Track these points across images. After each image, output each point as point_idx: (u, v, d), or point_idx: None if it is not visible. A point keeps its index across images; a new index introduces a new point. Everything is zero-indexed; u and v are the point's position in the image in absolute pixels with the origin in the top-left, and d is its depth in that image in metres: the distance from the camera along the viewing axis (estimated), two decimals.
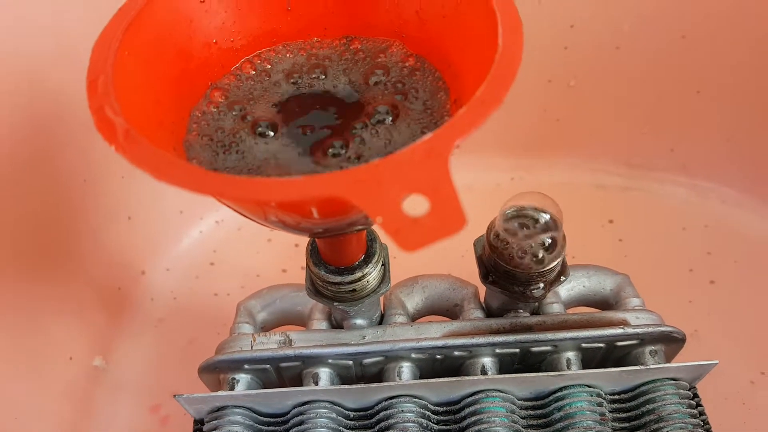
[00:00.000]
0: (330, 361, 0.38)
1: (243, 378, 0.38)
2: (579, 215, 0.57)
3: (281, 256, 0.56)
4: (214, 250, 0.57)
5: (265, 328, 0.43)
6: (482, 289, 0.42)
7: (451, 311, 0.42)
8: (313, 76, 0.30)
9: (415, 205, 0.18)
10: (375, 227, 0.24)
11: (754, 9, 0.49)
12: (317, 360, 0.38)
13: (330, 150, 0.26)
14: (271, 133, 0.27)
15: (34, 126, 0.42)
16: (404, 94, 0.28)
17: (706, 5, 0.50)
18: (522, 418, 0.37)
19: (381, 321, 0.41)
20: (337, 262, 0.34)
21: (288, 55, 0.30)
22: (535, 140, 0.57)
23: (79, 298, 0.47)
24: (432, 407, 0.37)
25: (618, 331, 0.38)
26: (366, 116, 0.27)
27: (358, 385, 0.36)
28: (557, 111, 0.54)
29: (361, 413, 0.37)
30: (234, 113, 0.28)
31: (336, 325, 0.41)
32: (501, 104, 0.20)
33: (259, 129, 0.28)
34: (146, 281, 0.53)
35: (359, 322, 0.39)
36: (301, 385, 0.39)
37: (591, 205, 0.58)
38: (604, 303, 0.43)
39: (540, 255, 0.34)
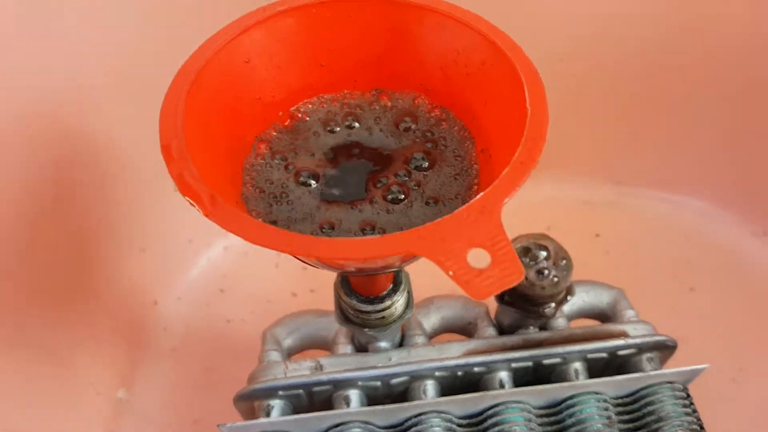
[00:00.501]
0: (360, 383, 0.41)
1: (277, 404, 0.41)
2: (568, 229, 0.61)
3: (290, 280, 0.58)
4: (224, 276, 0.59)
5: (291, 352, 0.46)
6: (491, 307, 0.45)
7: (465, 329, 0.45)
8: (347, 123, 0.33)
9: (478, 257, 0.21)
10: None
11: (732, 40, 0.54)
12: (348, 383, 0.40)
13: (373, 197, 0.29)
14: (313, 182, 0.30)
15: (54, 167, 0.44)
16: (434, 143, 0.31)
17: (684, 39, 0.54)
18: (539, 425, 0.40)
19: (401, 341, 0.44)
20: (368, 293, 0.37)
21: (323, 105, 0.33)
22: None
23: (101, 333, 0.49)
24: (457, 420, 0.40)
25: (619, 342, 0.42)
26: (403, 163, 0.30)
27: (390, 406, 0.39)
28: (548, 133, 0.58)
29: (392, 430, 0.40)
30: (278, 163, 0.31)
31: (359, 347, 0.44)
32: (536, 164, 0.23)
33: (301, 179, 0.30)
34: (159, 311, 0.55)
35: (383, 344, 0.42)
36: (331, 406, 0.41)
37: (579, 219, 0.62)
38: (602, 315, 0.47)
39: (554, 280, 0.37)
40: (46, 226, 0.44)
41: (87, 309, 0.48)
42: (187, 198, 0.23)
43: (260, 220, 0.28)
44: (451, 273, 0.20)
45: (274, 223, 0.28)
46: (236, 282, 0.59)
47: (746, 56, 0.56)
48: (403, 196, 0.29)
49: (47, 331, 0.45)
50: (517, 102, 0.26)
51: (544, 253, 0.39)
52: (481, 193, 0.23)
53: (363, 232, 0.28)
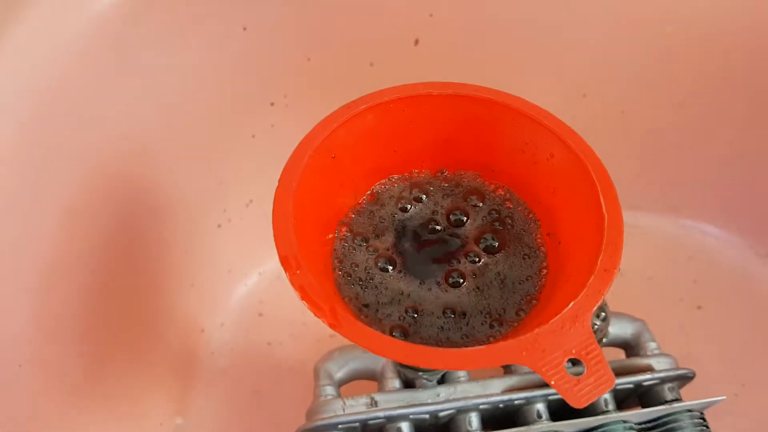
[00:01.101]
0: (410, 416, 0.44)
1: None
2: None
3: None
4: (261, 301, 0.62)
5: (341, 384, 0.49)
6: None
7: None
8: (417, 198, 0.35)
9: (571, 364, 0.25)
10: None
11: (736, 68, 0.57)
12: (400, 417, 0.44)
13: (450, 280, 0.32)
14: (390, 268, 0.33)
15: (119, 217, 0.47)
16: (501, 222, 0.34)
17: (698, 78, 0.58)
18: None
19: (443, 376, 0.47)
20: None
21: (395, 185, 0.36)
22: None
23: (159, 366, 0.52)
24: None
25: (646, 376, 0.46)
26: (474, 242, 0.33)
27: None
28: None
29: None
30: (359, 244, 0.34)
31: (405, 380, 0.47)
32: (618, 270, 0.27)
33: (380, 265, 0.33)
34: (206, 338, 0.58)
35: (428, 379, 0.46)
36: None
37: None
38: (626, 345, 0.51)
39: (598, 333, 0.41)
40: (115, 272, 0.47)
41: (147, 346, 0.51)
42: (310, 307, 0.26)
43: (354, 305, 0.31)
44: (553, 383, 0.24)
45: (366, 306, 0.31)
46: (273, 306, 0.62)
47: (750, 85, 0.59)
48: (475, 276, 0.32)
49: (119, 375, 0.48)
50: (590, 201, 0.29)
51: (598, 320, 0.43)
52: (572, 303, 0.26)
53: (444, 314, 0.31)
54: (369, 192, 0.35)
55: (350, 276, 0.33)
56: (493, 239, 0.34)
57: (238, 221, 0.59)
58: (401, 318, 0.31)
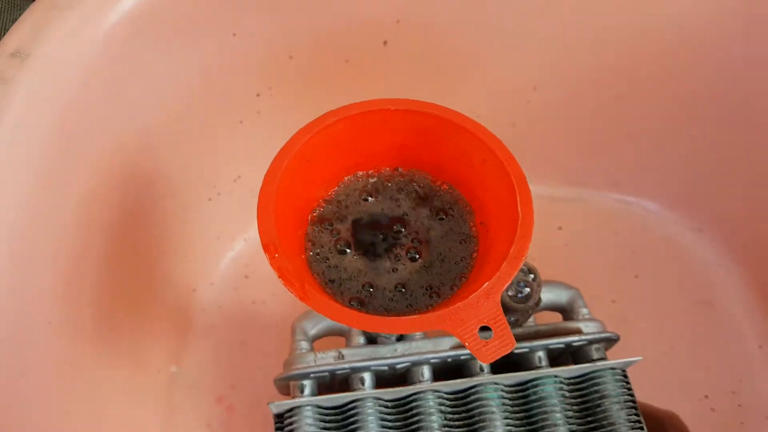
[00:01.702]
0: (372, 368, 0.53)
1: (308, 383, 0.52)
2: (535, 223, 0.73)
3: None
4: (246, 265, 0.69)
5: (314, 340, 0.57)
6: None
7: None
8: (376, 191, 0.43)
9: (484, 330, 0.32)
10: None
11: (682, 52, 0.64)
12: (363, 368, 0.52)
13: (398, 258, 0.40)
14: (348, 250, 0.41)
15: (124, 200, 0.54)
16: (444, 212, 0.42)
17: (637, 63, 0.64)
18: (509, 400, 0.53)
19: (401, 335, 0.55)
20: None
21: (359, 180, 0.43)
22: None
23: (159, 322, 0.60)
24: (446, 396, 0.52)
25: (575, 338, 0.54)
26: (420, 228, 0.41)
27: (396, 388, 0.51)
28: (519, 146, 0.68)
29: (397, 403, 0.52)
30: (325, 228, 0.41)
31: (370, 338, 0.55)
32: (525, 257, 0.34)
33: (339, 247, 0.41)
34: (197, 296, 0.66)
35: (388, 336, 0.54)
36: (348, 383, 0.53)
37: (545, 215, 0.74)
38: (561, 309, 0.59)
39: (526, 298, 0.49)
40: (121, 244, 0.54)
41: (149, 305, 0.59)
42: (286, 285, 0.33)
43: (321, 280, 0.38)
44: (467, 344, 0.32)
45: (331, 281, 0.39)
46: (257, 269, 0.69)
47: (694, 69, 0.66)
48: (417, 256, 0.40)
49: (126, 331, 0.56)
50: (509, 197, 0.37)
51: (527, 286, 0.51)
52: (486, 284, 0.33)
53: (396, 289, 0.38)
54: (337, 185, 0.43)
55: (318, 256, 0.40)
56: (436, 226, 0.41)
57: (226, 195, 0.66)
58: (359, 291, 0.39)
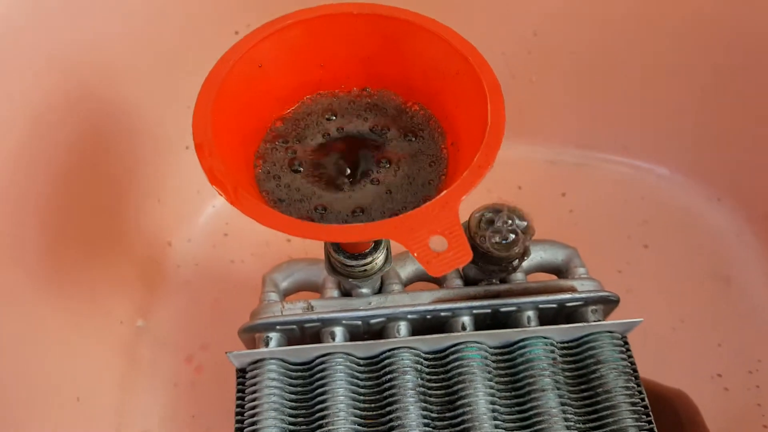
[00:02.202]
0: (344, 321, 0.48)
1: (275, 336, 0.48)
2: (537, 188, 0.68)
3: None
4: (227, 222, 0.66)
5: (286, 294, 0.53)
6: None
7: (436, 279, 0.53)
8: (340, 114, 0.39)
9: (438, 242, 0.28)
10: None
11: (693, 13, 0.59)
12: (334, 321, 0.48)
13: (359, 181, 0.35)
14: (302, 169, 0.36)
15: (91, 132, 0.50)
16: (414, 134, 0.37)
17: (648, 11, 0.59)
18: (493, 362, 0.48)
19: (381, 288, 0.51)
20: (353, 251, 0.44)
21: (321, 99, 0.39)
22: None
23: (124, 272, 0.56)
24: (424, 355, 0.48)
25: (567, 296, 0.49)
26: (385, 150, 0.37)
27: (368, 342, 0.46)
28: (520, 102, 0.64)
29: (369, 361, 0.48)
30: (281, 146, 0.37)
31: (345, 292, 0.51)
32: (492, 166, 0.30)
33: (294, 167, 0.37)
34: (173, 251, 0.62)
35: (364, 290, 0.49)
36: (319, 339, 0.49)
37: (547, 180, 0.69)
38: (557, 270, 0.54)
39: (511, 245, 0.45)
40: (82, 179, 0.51)
41: (113, 252, 0.55)
42: (216, 188, 0.29)
43: (270, 198, 0.34)
44: (415, 254, 0.27)
45: (281, 201, 0.34)
46: (238, 227, 0.66)
47: (707, 29, 0.61)
48: (380, 180, 0.36)
49: (78, 270, 0.52)
50: (481, 110, 0.33)
51: (513, 232, 0.46)
52: (444, 192, 0.29)
53: (353, 214, 0.34)
54: (296, 104, 0.39)
55: (269, 173, 0.36)
56: (406, 146, 0.37)
57: None
58: (309, 213, 0.35)
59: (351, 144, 0.37)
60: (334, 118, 0.39)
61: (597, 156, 0.70)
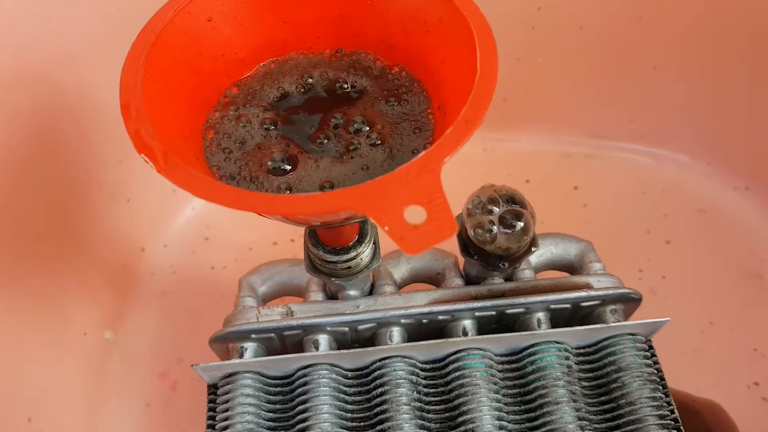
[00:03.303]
0: (328, 328, 0.42)
1: (250, 346, 0.43)
2: (547, 182, 0.62)
3: (271, 230, 0.60)
4: (207, 226, 0.60)
5: (266, 299, 0.47)
6: (461, 258, 0.46)
7: (434, 279, 0.47)
8: (310, 80, 0.33)
9: (415, 214, 0.22)
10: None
11: None
12: (317, 328, 0.42)
13: (332, 150, 0.30)
14: (266, 139, 0.31)
15: (39, 121, 0.45)
16: (397, 98, 0.32)
17: None
18: (499, 371, 0.42)
19: (371, 291, 0.45)
20: (334, 244, 0.38)
21: (286, 62, 0.33)
22: (506, 114, 0.61)
23: (90, 279, 0.51)
24: (420, 365, 0.42)
25: (582, 293, 0.43)
26: (363, 115, 0.31)
27: (356, 350, 0.40)
28: (526, 87, 0.58)
29: (358, 372, 0.42)
30: (236, 117, 0.32)
31: (331, 295, 0.45)
32: (481, 123, 0.24)
33: (255, 140, 0.31)
34: (147, 258, 0.57)
35: (352, 293, 0.44)
36: (302, 349, 0.43)
37: (558, 173, 0.63)
38: (570, 267, 0.48)
39: (512, 237, 0.39)
40: (32, 175, 0.45)
41: (74, 256, 0.50)
42: (142, 155, 0.24)
43: (220, 175, 0.29)
44: (386, 229, 0.22)
45: (231, 177, 0.29)
46: (220, 231, 0.60)
47: (726, 7, 0.56)
48: (355, 147, 0.30)
49: (34, 278, 0.47)
50: (470, 60, 0.27)
51: (517, 217, 0.40)
52: (423, 152, 0.23)
53: (322, 189, 0.29)
54: (256, 67, 0.33)
55: (219, 146, 0.31)
56: (388, 112, 0.31)
57: None
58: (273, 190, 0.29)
59: (318, 107, 0.32)
60: (301, 80, 0.33)
61: (611, 145, 0.64)
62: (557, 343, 0.42)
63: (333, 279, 0.40)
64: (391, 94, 0.32)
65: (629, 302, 0.45)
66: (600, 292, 0.43)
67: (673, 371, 0.45)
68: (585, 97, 0.60)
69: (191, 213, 0.60)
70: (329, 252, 0.38)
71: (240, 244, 0.59)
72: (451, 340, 0.41)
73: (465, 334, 0.43)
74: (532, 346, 0.42)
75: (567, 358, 0.42)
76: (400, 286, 0.47)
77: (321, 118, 0.31)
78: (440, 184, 0.23)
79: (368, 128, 0.31)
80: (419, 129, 0.31)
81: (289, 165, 0.30)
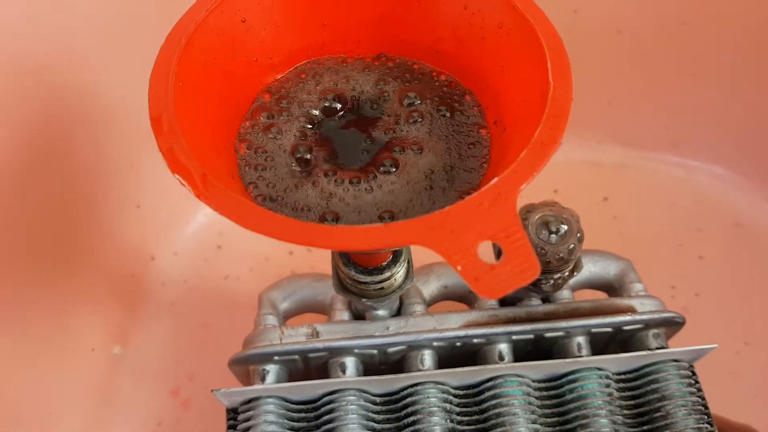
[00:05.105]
0: (356, 351, 0.40)
1: (273, 368, 0.40)
2: (575, 193, 0.60)
3: None
4: (220, 233, 0.57)
5: (287, 316, 0.44)
6: None
7: (465, 297, 0.44)
8: (350, 87, 0.30)
9: (488, 251, 0.19)
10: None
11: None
12: (344, 351, 0.39)
13: (380, 168, 0.27)
14: (308, 156, 0.28)
15: (46, 125, 0.42)
16: (449, 107, 0.29)
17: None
18: (537, 399, 0.39)
19: (400, 309, 0.42)
20: (367, 264, 0.35)
21: (322, 66, 0.31)
22: None
23: (96, 290, 0.48)
24: (453, 391, 0.39)
25: (626, 318, 0.41)
26: (407, 131, 0.28)
27: (386, 376, 0.38)
28: None
29: (387, 398, 0.39)
30: (273, 130, 0.29)
31: (357, 314, 0.43)
32: (558, 146, 0.21)
33: (299, 154, 0.28)
34: (156, 266, 0.54)
35: (380, 312, 0.41)
36: (326, 371, 0.40)
37: (587, 183, 0.60)
38: (609, 287, 0.46)
39: (562, 256, 0.36)
40: (37, 181, 0.43)
41: (81, 267, 0.47)
42: (177, 176, 0.21)
43: (256, 195, 0.26)
44: (459, 268, 0.19)
45: (272, 200, 0.26)
46: (233, 238, 0.57)
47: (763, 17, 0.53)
48: (406, 170, 0.27)
49: (40, 292, 0.44)
50: (537, 72, 0.24)
51: (564, 227, 0.38)
52: (496, 179, 0.21)
53: (381, 218, 0.26)
54: (292, 71, 0.30)
55: (253, 161, 0.28)
56: (439, 124, 0.28)
57: None
58: (322, 219, 0.26)
59: (360, 119, 0.29)
60: (339, 87, 0.30)
61: (643, 155, 0.61)
62: (598, 369, 0.40)
63: (364, 300, 0.37)
64: (442, 104, 0.29)
65: (672, 326, 0.42)
66: (644, 317, 0.41)
67: (708, 394, 0.42)
68: (617, 104, 0.58)
69: (203, 219, 0.57)
70: (361, 272, 0.35)
71: (254, 253, 0.56)
72: (488, 367, 0.38)
73: (501, 358, 0.40)
74: (573, 372, 0.40)
75: (608, 386, 0.40)
76: (430, 303, 0.44)
77: (366, 131, 0.28)
78: (517, 217, 0.20)
79: (418, 143, 0.28)
80: (473, 145, 0.28)
81: (334, 186, 0.27)
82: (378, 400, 0.39)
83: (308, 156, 0.28)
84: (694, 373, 0.42)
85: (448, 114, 0.29)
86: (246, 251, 0.57)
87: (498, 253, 0.21)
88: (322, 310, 0.44)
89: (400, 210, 0.26)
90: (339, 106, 0.30)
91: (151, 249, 0.54)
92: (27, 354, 0.42)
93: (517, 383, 0.39)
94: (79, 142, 0.45)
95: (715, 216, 0.60)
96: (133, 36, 0.46)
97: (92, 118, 0.45)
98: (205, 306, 0.54)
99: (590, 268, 0.45)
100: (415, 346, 0.40)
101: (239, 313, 0.53)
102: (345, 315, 0.42)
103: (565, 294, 0.43)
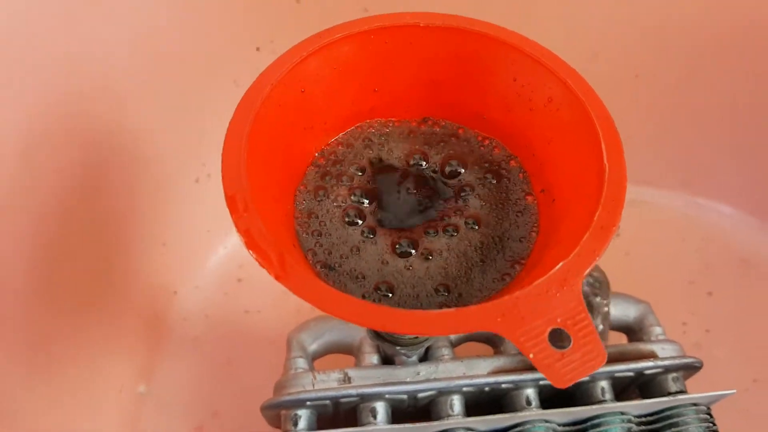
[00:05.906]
0: (387, 396, 0.40)
1: (304, 413, 0.41)
2: None
3: None
4: (240, 266, 0.58)
5: (315, 357, 0.45)
6: None
7: (491, 340, 0.45)
8: (396, 155, 0.31)
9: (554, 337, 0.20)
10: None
11: (758, 42, 0.52)
12: (375, 396, 0.40)
13: (432, 236, 0.28)
14: (359, 221, 0.29)
15: (81, 166, 0.43)
16: (495, 174, 0.30)
17: (716, 42, 0.53)
18: None
19: (426, 352, 0.43)
20: None
21: (371, 133, 0.31)
22: None
23: (125, 330, 0.48)
24: None
25: (648, 363, 0.42)
26: (458, 198, 0.29)
27: (420, 424, 0.39)
28: None
29: None
30: (326, 200, 0.29)
31: (385, 357, 0.43)
32: (617, 228, 0.22)
33: (347, 219, 0.29)
34: (179, 301, 0.55)
35: (410, 357, 0.42)
36: (355, 416, 0.41)
37: None
38: (627, 329, 0.47)
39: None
40: (72, 224, 0.43)
41: (109, 306, 0.47)
42: (255, 256, 0.22)
43: (314, 262, 0.27)
44: (532, 356, 0.20)
45: (331, 268, 0.27)
46: (253, 271, 0.58)
47: None
48: (453, 231, 0.28)
49: (71, 331, 0.44)
50: (588, 150, 0.25)
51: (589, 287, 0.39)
52: (561, 264, 0.22)
53: (437, 293, 0.27)
54: (342, 135, 0.31)
55: (309, 227, 0.28)
56: (485, 193, 0.29)
57: (218, 176, 0.54)
58: (366, 294, 0.27)
59: (415, 188, 0.29)
60: (387, 151, 0.31)
61: (653, 192, 0.62)
62: (621, 414, 0.41)
63: (398, 348, 0.38)
64: (489, 169, 0.30)
65: (691, 369, 0.44)
66: (665, 362, 0.42)
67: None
68: (631, 143, 0.58)
69: (223, 252, 0.58)
70: None
71: (274, 286, 0.56)
72: (517, 414, 0.39)
73: (528, 403, 0.41)
74: (597, 417, 0.41)
75: (630, 429, 0.41)
76: (455, 345, 0.45)
77: (415, 197, 0.29)
78: (583, 303, 0.21)
79: (471, 215, 0.29)
80: (521, 213, 0.29)
81: (388, 255, 0.28)
82: None
83: (359, 221, 0.29)
84: (711, 416, 0.43)
85: (494, 181, 0.30)
86: (265, 284, 0.57)
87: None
88: (349, 351, 0.45)
89: (454, 283, 0.26)
90: (387, 171, 0.31)
91: (174, 284, 0.54)
92: (60, 400, 0.43)
93: (544, 429, 0.40)
94: (110, 183, 0.46)
95: (723, 252, 0.61)
96: (168, 78, 0.47)
97: (127, 158, 0.46)
98: (226, 341, 0.54)
99: (611, 311, 0.46)
100: (445, 391, 0.41)
101: (260, 349, 0.54)
102: (374, 358, 0.43)
103: None
